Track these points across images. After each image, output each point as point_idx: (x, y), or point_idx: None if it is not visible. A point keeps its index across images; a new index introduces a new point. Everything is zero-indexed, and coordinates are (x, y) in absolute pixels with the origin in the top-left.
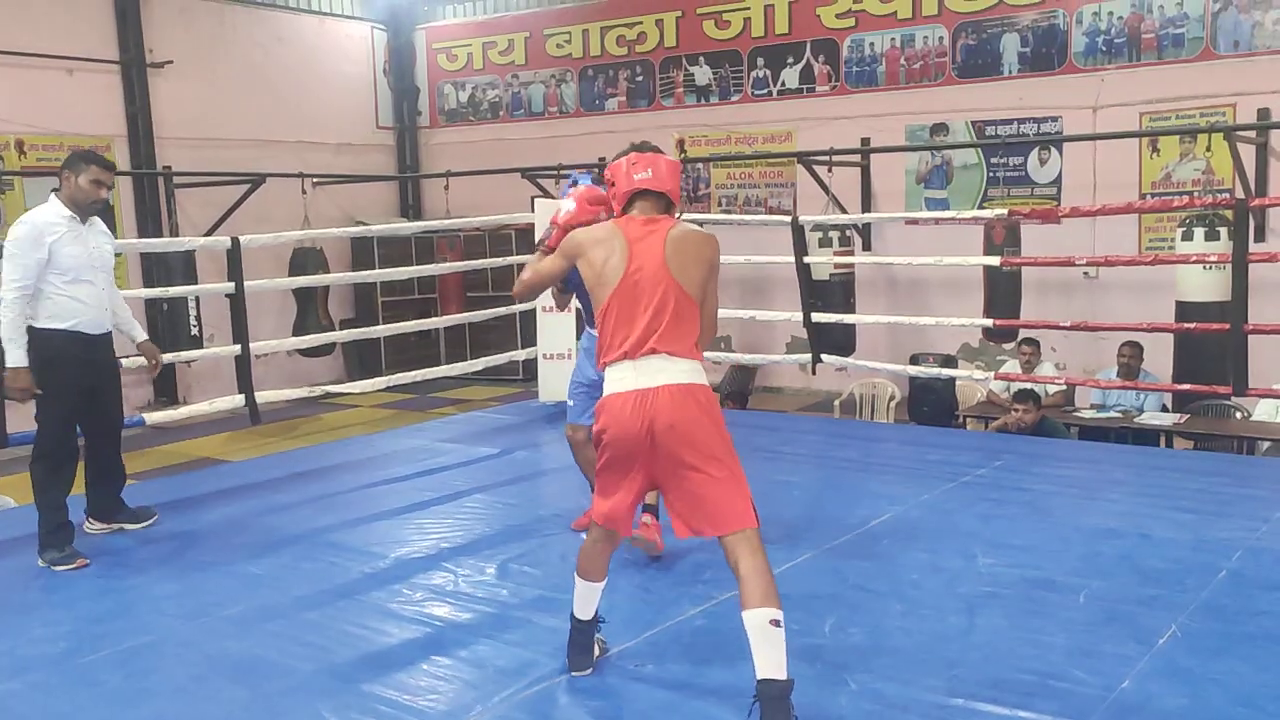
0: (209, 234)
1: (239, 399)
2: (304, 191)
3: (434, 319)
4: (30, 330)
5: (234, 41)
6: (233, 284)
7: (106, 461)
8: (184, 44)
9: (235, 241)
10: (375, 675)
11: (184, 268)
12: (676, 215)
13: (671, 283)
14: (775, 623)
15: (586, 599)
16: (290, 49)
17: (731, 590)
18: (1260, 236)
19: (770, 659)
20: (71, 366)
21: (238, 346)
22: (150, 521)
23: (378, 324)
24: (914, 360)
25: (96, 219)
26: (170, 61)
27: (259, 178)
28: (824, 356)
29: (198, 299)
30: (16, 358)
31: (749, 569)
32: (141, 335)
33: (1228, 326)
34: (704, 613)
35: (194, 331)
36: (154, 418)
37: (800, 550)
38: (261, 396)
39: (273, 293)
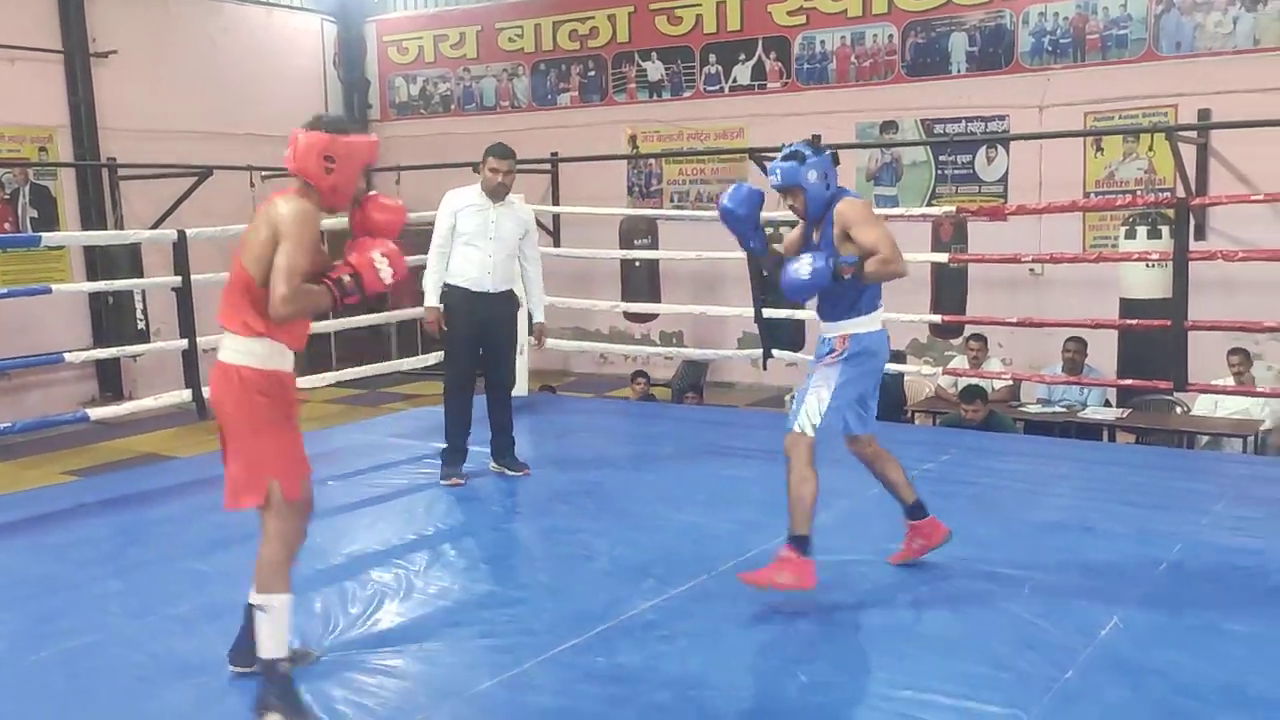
0: (155, 227)
1: (185, 394)
2: (252, 184)
3: (385, 313)
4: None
5: (180, 32)
6: (179, 277)
7: None
8: (128, 34)
9: (182, 235)
10: (325, 674)
11: (129, 261)
12: (300, 187)
13: (236, 256)
14: (256, 607)
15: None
16: (238, 40)
17: (684, 585)
18: (1200, 235)
19: (259, 640)
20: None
21: (184, 341)
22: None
23: (327, 318)
24: None
25: (513, 199)
26: (114, 51)
27: (206, 170)
28: (774, 352)
29: (144, 293)
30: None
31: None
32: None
33: (1169, 323)
34: (654, 607)
35: (140, 326)
36: (98, 413)
37: (750, 545)
38: (209, 392)
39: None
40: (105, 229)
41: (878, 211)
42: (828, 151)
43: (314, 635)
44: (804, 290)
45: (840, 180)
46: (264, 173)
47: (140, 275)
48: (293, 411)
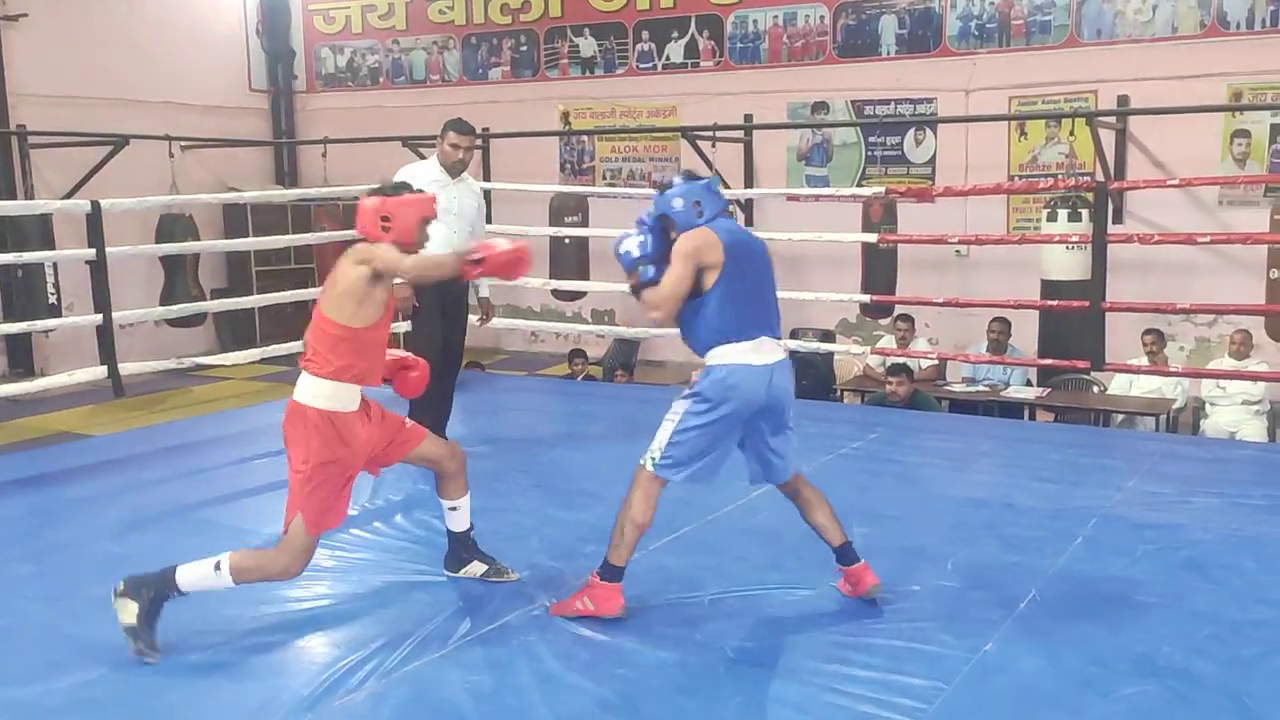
0: (68, 198)
1: (101, 371)
2: (171, 155)
3: (311, 289)
4: None
5: None
6: (94, 250)
7: None
8: None
9: (96, 205)
10: (249, 654)
11: (40, 233)
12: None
13: (316, 305)
14: (218, 565)
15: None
16: (156, 4)
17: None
18: (1118, 218)
19: (192, 564)
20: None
21: (99, 316)
22: None
23: (252, 294)
24: (793, 335)
25: (466, 176)
26: (24, 14)
27: (122, 139)
28: None
29: (56, 266)
30: None
31: None
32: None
33: (1087, 304)
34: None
35: (52, 300)
36: (8, 389)
37: (680, 524)
38: (125, 368)
39: (139, 260)
40: (14, 199)
41: (809, 191)
42: (705, 180)
43: (233, 616)
44: (620, 260)
45: (772, 160)
46: (183, 143)
47: (52, 248)
48: (351, 447)
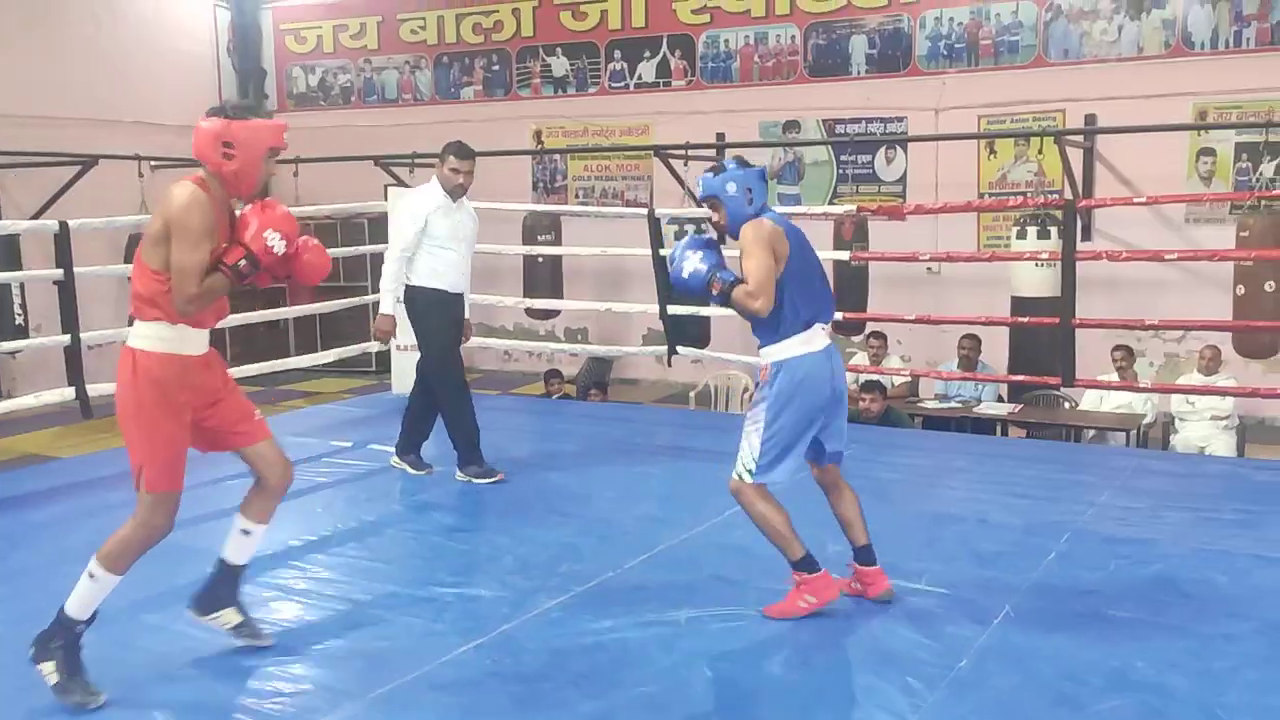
0: (35, 218)
1: (69, 392)
2: (141, 175)
3: (282, 309)
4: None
5: (63, 12)
6: (61, 271)
7: None
8: (7, 14)
9: (64, 226)
10: (219, 679)
11: (7, 253)
12: (202, 176)
13: (139, 246)
14: (90, 572)
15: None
16: (125, 23)
17: (588, 584)
18: (1086, 236)
19: (73, 593)
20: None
21: (67, 337)
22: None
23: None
24: None
25: (464, 199)
26: None
27: (91, 159)
28: (679, 349)
29: (23, 286)
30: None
31: None
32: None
33: (1057, 320)
34: (560, 605)
35: (19, 321)
36: None
37: (659, 540)
38: (94, 389)
39: (108, 280)
40: None
41: (780, 210)
42: (757, 168)
43: (211, 639)
44: (683, 289)
45: None
46: (153, 163)
47: (19, 268)
48: (187, 399)
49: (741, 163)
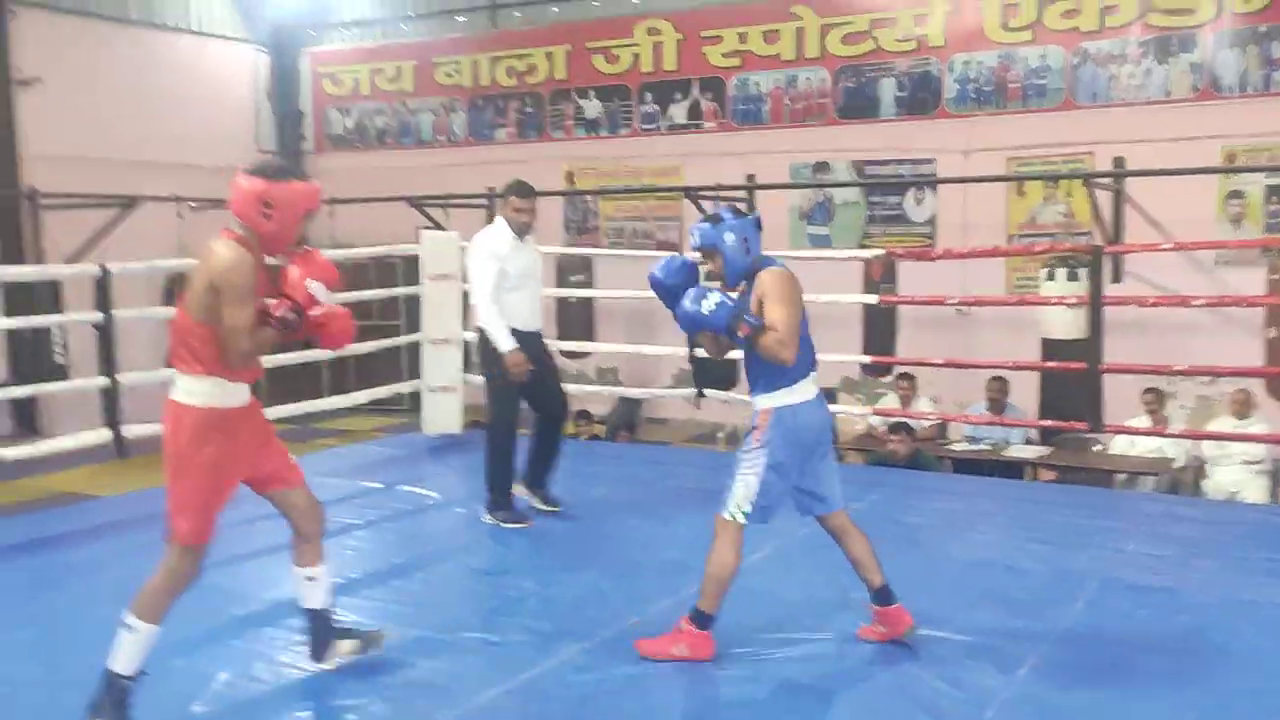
0: (77, 258)
1: (105, 433)
2: (180, 216)
3: (317, 351)
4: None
5: (108, 59)
6: (101, 314)
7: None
8: (54, 61)
9: (105, 270)
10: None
11: (48, 293)
12: (235, 230)
13: (181, 298)
14: (125, 624)
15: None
16: (168, 68)
17: (612, 628)
18: (1117, 278)
19: (114, 650)
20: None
21: (104, 379)
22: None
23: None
24: None
25: (530, 237)
26: (39, 79)
27: (130, 200)
28: (706, 391)
29: (63, 326)
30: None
31: None
32: None
33: (1084, 365)
34: (584, 650)
35: (59, 360)
36: (9, 453)
37: (683, 585)
38: (129, 431)
39: (147, 321)
40: (24, 260)
41: (808, 254)
42: (751, 217)
43: (235, 684)
44: (695, 323)
45: (774, 219)
46: (192, 204)
47: (60, 309)
48: (228, 452)
49: (736, 212)
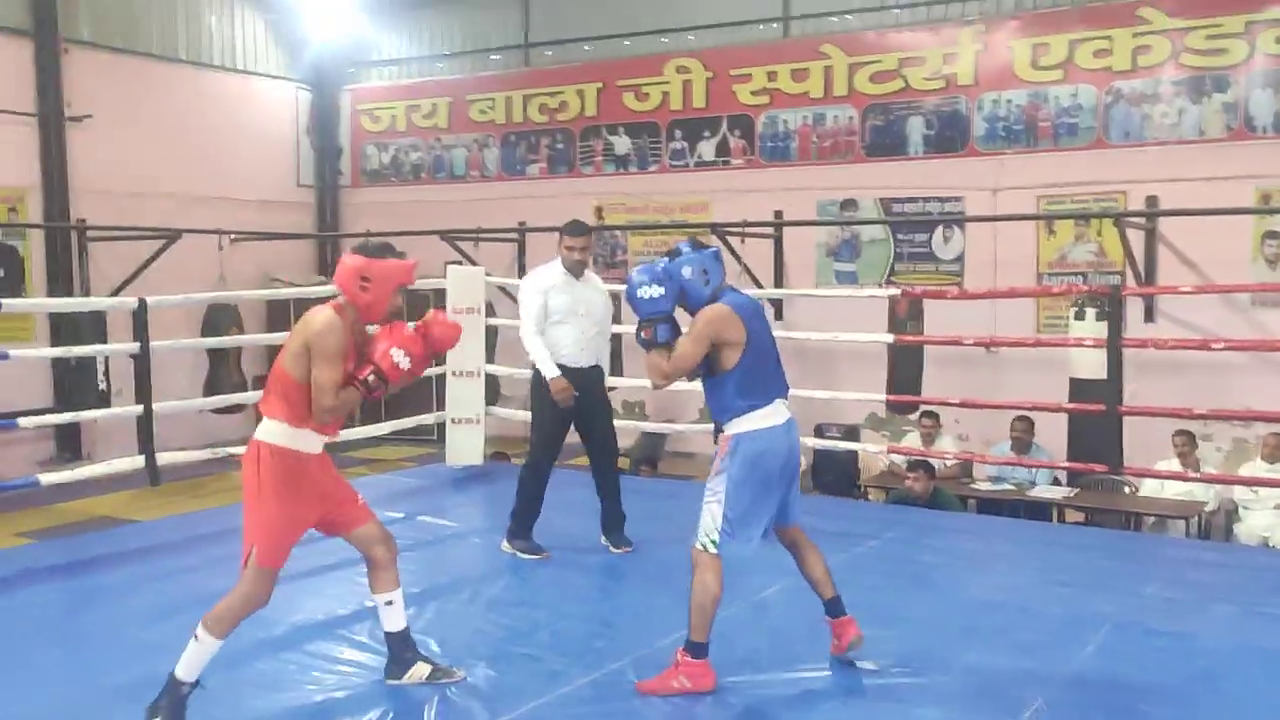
0: (122, 288)
1: (139, 460)
2: (220, 248)
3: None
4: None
5: (156, 97)
6: (138, 344)
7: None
8: (105, 97)
9: (142, 302)
10: None
11: (93, 321)
12: (337, 300)
13: (279, 355)
14: (196, 635)
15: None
16: (213, 106)
17: (620, 661)
18: (1150, 318)
19: (183, 656)
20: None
21: (139, 407)
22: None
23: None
24: (818, 430)
25: (591, 275)
26: (89, 115)
27: (175, 233)
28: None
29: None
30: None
31: None
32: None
33: (1103, 407)
34: (591, 682)
35: (102, 387)
36: (49, 478)
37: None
38: (165, 457)
39: (181, 351)
40: (72, 290)
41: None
42: (710, 250)
43: (260, 703)
44: (631, 299)
45: (801, 255)
46: (233, 236)
47: (104, 337)
48: (302, 490)
49: (696, 245)
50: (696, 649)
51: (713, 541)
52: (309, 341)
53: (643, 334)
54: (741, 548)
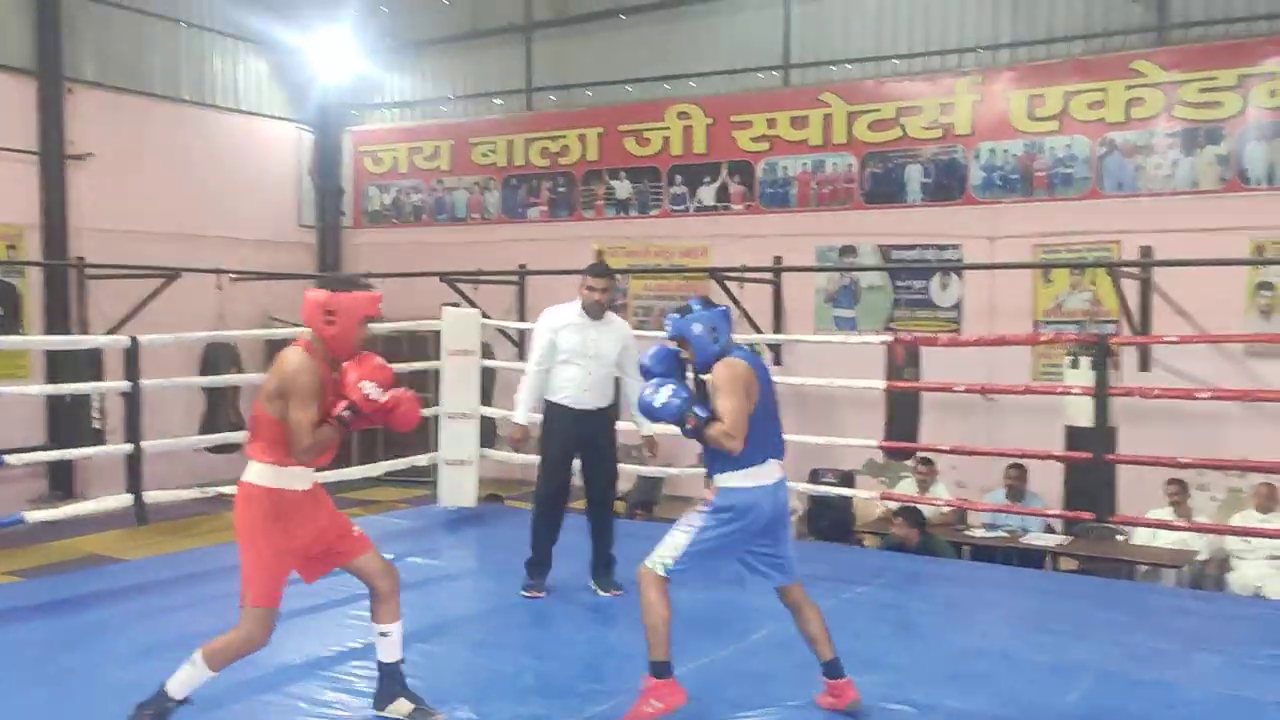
0: (120, 326)
1: (127, 499)
2: (219, 287)
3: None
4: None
5: (158, 136)
6: (129, 383)
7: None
8: (107, 137)
9: (134, 341)
10: None
11: (89, 359)
12: (305, 338)
13: (258, 396)
14: (192, 660)
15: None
16: (215, 146)
17: (604, 704)
18: (1145, 366)
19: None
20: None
21: (130, 445)
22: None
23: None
24: (813, 475)
25: (613, 317)
26: (91, 154)
27: (174, 272)
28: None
29: (101, 392)
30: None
31: None
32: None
33: (1090, 456)
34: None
35: (95, 425)
36: (36, 516)
37: (678, 663)
38: (154, 496)
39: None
40: (69, 327)
41: (826, 338)
42: (719, 308)
43: None
44: (650, 414)
45: (800, 301)
46: (232, 275)
47: (100, 374)
48: (292, 529)
49: (706, 303)
50: (658, 669)
51: (665, 566)
52: (282, 383)
53: (688, 426)
54: (684, 580)
